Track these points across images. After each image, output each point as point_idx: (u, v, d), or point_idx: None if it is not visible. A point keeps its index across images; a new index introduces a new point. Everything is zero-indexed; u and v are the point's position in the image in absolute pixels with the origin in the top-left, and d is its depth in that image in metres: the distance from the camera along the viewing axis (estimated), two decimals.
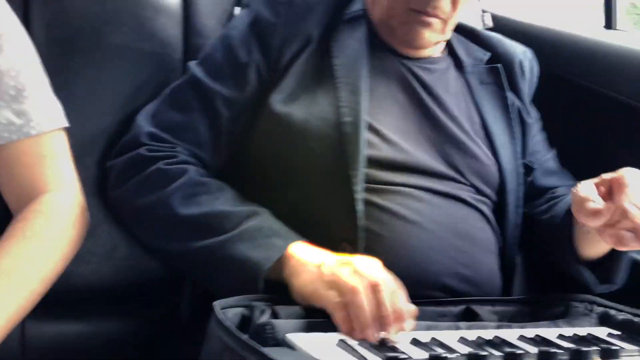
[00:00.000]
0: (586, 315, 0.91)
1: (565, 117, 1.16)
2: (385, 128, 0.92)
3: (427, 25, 0.95)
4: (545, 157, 1.09)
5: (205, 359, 0.66)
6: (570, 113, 1.19)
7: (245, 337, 0.61)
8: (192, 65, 0.97)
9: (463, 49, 1.06)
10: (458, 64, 1.04)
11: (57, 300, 0.88)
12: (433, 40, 0.99)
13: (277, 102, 0.91)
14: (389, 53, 0.99)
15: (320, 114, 0.89)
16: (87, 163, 0.95)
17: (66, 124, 0.88)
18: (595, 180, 0.83)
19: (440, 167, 0.93)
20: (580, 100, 1.21)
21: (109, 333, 0.93)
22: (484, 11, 1.33)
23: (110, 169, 0.93)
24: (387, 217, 0.87)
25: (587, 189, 0.81)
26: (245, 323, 0.72)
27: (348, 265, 0.74)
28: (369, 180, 0.87)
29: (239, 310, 0.73)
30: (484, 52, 1.07)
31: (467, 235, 0.91)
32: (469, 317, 0.85)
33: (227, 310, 0.72)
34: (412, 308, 0.73)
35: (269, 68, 0.93)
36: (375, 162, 0.89)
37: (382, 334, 0.69)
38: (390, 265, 0.81)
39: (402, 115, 0.95)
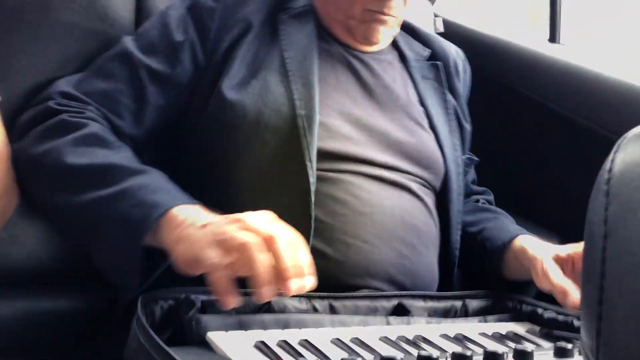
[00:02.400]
0: (514, 312, 0.96)
1: (502, 123, 1.19)
2: (336, 119, 0.93)
3: (383, 22, 0.99)
4: (471, 165, 1.16)
5: (126, 356, 0.67)
6: (507, 119, 1.22)
7: (156, 338, 0.61)
8: (125, 39, 0.96)
9: (405, 43, 1.09)
10: (402, 58, 1.08)
11: None
12: (387, 36, 1.03)
13: (228, 88, 0.91)
14: (338, 46, 1.01)
15: (274, 105, 0.90)
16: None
17: None
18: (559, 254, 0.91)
19: (389, 157, 0.95)
20: (518, 108, 1.24)
21: (46, 316, 0.92)
22: (436, 15, 1.35)
23: (16, 124, 0.89)
24: (336, 206, 0.88)
25: (552, 267, 0.89)
26: (172, 316, 0.72)
27: (237, 222, 0.69)
28: (319, 169, 0.88)
29: (168, 303, 0.73)
30: (424, 49, 1.11)
31: (411, 227, 0.94)
32: (402, 312, 0.87)
33: (155, 303, 0.71)
34: (309, 260, 0.68)
35: (205, 52, 0.93)
36: (326, 154, 0.90)
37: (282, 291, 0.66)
38: (337, 253, 0.85)
39: (352, 105, 0.97)
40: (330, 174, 0.90)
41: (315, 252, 0.83)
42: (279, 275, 0.65)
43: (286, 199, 0.86)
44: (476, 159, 1.17)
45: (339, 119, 0.94)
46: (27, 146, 0.85)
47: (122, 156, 0.82)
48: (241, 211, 0.81)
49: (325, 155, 0.90)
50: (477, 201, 1.15)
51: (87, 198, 0.77)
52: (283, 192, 0.87)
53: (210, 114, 0.91)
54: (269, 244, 0.66)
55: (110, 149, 0.82)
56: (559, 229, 1.14)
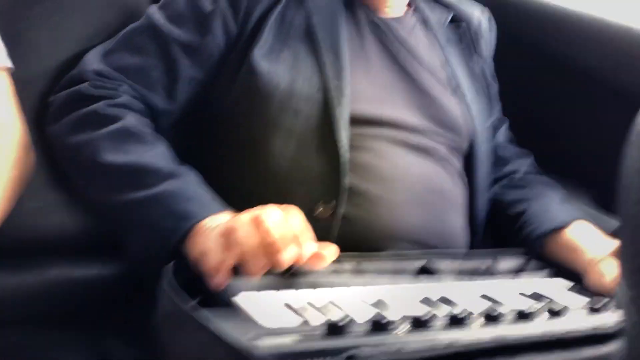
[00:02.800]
0: (544, 269, 0.94)
1: (530, 82, 1.17)
2: (365, 84, 0.93)
3: None
4: (501, 125, 1.14)
5: (156, 321, 0.67)
6: (534, 78, 1.20)
7: (185, 304, 0.62)
8: (152, 9, 0.95)
9: (427, 7, 1.07)
10: (425, 22, 1.05)
11: (21, 253, 0.89)
12: None
13: (259, 57, 0.90)
14: (361, 10, 1.00)
15: (306, 74, 0.90)
16: None
17: (8, 64, 0.86)
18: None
19: (416, 120, 0.95)
20: (544, 66, 1.21)
21: (77, 284, 0.93)
22: None
23: (50, 104, 0.90)
24: (364, 172, 0.89)
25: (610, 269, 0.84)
26: (200, 282, 0.71)
27: (239, 215, 0.72)
28: (349, 136, 0.89)
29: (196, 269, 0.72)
30: (447, 12, 1.08)
31: (439, 191, 0.94)
32: (429, 272, 0.87)
33: (184, 269, 0.71)
34: (308, 230, 0.71)
35: (237, 22, 0.92)
36: (354, 118, 0.90)
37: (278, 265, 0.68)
38: (365, 219, 0.86)
39: (380, 70, 0.96)
40: (358, 140, 0.90)
41: (343, 217, 0.86)
42: (267, 249, 0.68)
43: (318, 168, 0.87)
44: (505, 122, 1.15)
45: (365, 83, 0.93)
46: (63, 134, 0.86)
47: (157, 153, 0.82)
48: (274, 181, 0.86)
49: (353, 120, 0.90)
50: (515, 172, 1.10)
51: (120, 199, 0.79)
52: (315, 160, 0.88)
53: (241, 84, 0.91)
54: (256, 222, 0.68)
55: (145, 144, 0.83)
56: (590, 184, 1.12)
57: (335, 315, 0.65)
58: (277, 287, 0.72)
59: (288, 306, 0.67)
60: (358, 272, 0.81)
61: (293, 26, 0.93)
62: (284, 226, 0.69)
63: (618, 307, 0.72)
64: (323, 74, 0.90)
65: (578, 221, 0.96)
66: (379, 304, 0.72)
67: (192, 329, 0.59)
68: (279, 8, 0.93)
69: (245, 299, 0.67)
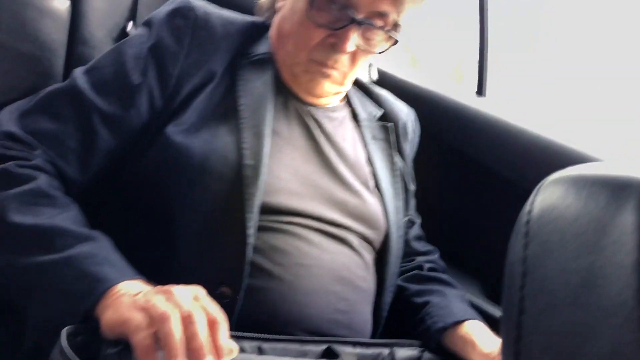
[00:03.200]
0: None
1: (429, 172, 1.22)
2: (284, 172, 0.92)
3: (327, 76, 0.97)
4: (413, 223, 1.17)
5: None
6: (433, 168, 1.26)
7: None
8: (77, 73, 0.91)
9: (359, 102, 1.10)
10: (354, 116, 1.08)
11: None
12: (332, 91, 1.01)
13: (176, 133, 0.88)
14: (292, 98, 1.00)
15: (222, 152, 0.87)
16: None
17: None
18: None
19: (333, 214, 0.94)
20: (445, 157, 1.28)
21: None
22: (370, 64, 1.38)
23: None
24: (276, 256, 0.86)
25: None
26: (96, 352, 0.67)
27: (165, 293, 0.68)
28: (263, 220, 0.86)
29: (94, 337, 0.68)
30: (377, 109, 1.12)
31: (349, 282, 0.92)
32: (331, 355, 0.86)
33: (79, 336, 0.67)
34: (233, 346, 0.67)
35: (163, 97, 0.90)
36: (271, 208, 0.87)
37: None
38: (270, 303, 0.83)
39: (302, 160, 0.95)
40: (274, 224, 0.88)
41: (247, 297, 0.83)
42: (192, 353, 0.64)
43: (223, 248, 0.84)
44: (417, 220, 1.18)
45: (287, 174, 0.92)
46: None
47: (69, 216, 0.79)
48: (178, 255, 0.83)
49: (269, 209, 0.88)
50: (422, 267, 1.13)
51: (30, 261, 0.74)
52: (221, 240, 0.84)
53: (154, 156, 0.88)
54: (187, 321, 0.65)
55: (56, 207, 0.79)
56: (482, 275, 1.17)
57: None
58: None
59: None
60: (260, 352, 0.79)
61: (219, 107, 0.92)
62: (214, 335, 0.66)
63: None
64: (239, 152, 0.87)
65: (473, 320, 1.00)
66: None
67: None
68: (209, 87, 0.92)
69: None
